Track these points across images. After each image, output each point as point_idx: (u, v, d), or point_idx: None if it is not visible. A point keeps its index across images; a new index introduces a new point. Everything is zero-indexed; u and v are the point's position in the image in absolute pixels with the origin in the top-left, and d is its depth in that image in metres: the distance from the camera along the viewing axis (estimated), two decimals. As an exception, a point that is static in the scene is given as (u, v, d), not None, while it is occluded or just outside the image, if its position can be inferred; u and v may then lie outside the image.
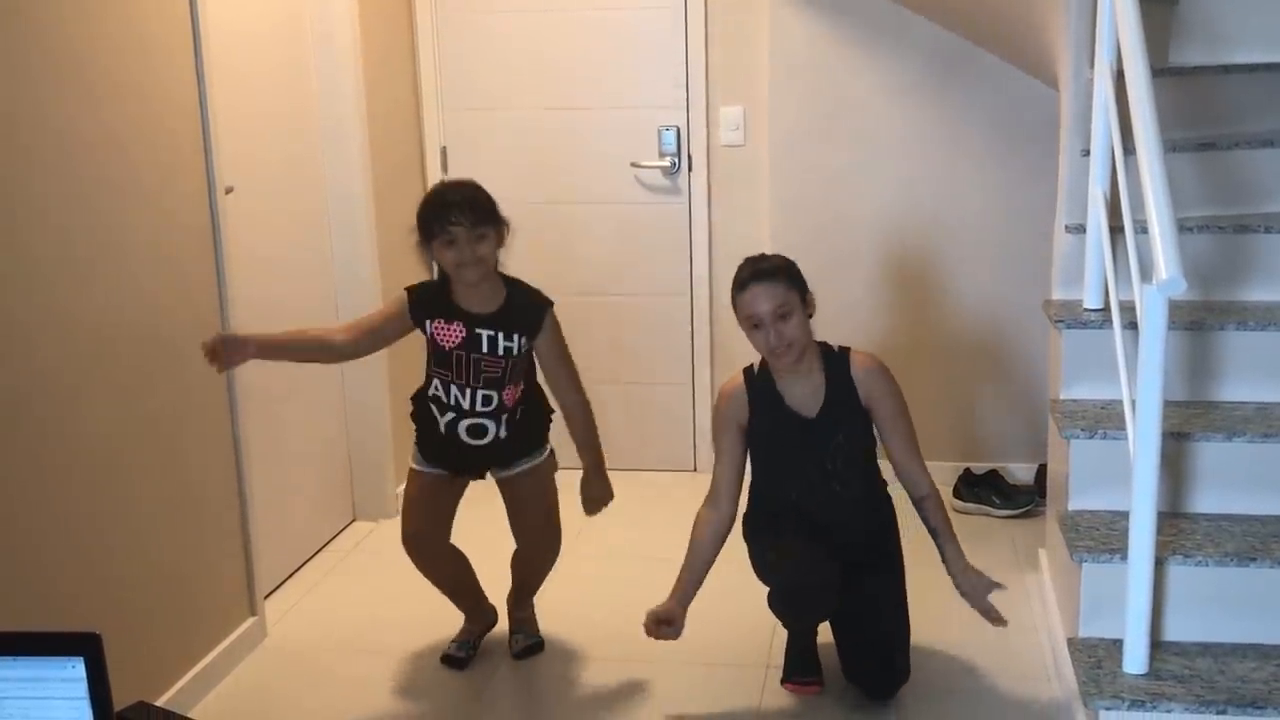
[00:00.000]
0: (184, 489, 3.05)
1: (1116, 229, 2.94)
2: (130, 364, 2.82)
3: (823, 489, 2.99)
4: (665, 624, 2.94)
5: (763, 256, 2.95)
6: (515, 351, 3.00)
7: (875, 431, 3.01)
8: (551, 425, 3.22)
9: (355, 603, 3.65)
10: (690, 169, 4.47)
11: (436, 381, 3.03)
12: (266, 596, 3.53)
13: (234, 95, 3.35)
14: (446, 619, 3.34)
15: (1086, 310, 3.13)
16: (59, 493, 2.58)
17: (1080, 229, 3.16)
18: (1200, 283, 3.13)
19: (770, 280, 2.87)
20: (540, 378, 3.16)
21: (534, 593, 3.37)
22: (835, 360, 2.98)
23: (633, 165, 4.49)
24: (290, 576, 3.81)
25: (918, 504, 3.01)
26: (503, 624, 3.37)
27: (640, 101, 4.44)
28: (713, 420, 3.12)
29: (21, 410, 2.47)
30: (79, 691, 1.54)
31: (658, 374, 4.67)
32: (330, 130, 3.96)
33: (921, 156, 4.24)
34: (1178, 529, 2.79)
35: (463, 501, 3.25)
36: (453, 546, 3.23)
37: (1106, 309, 3.05)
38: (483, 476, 3.20)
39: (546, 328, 3.03)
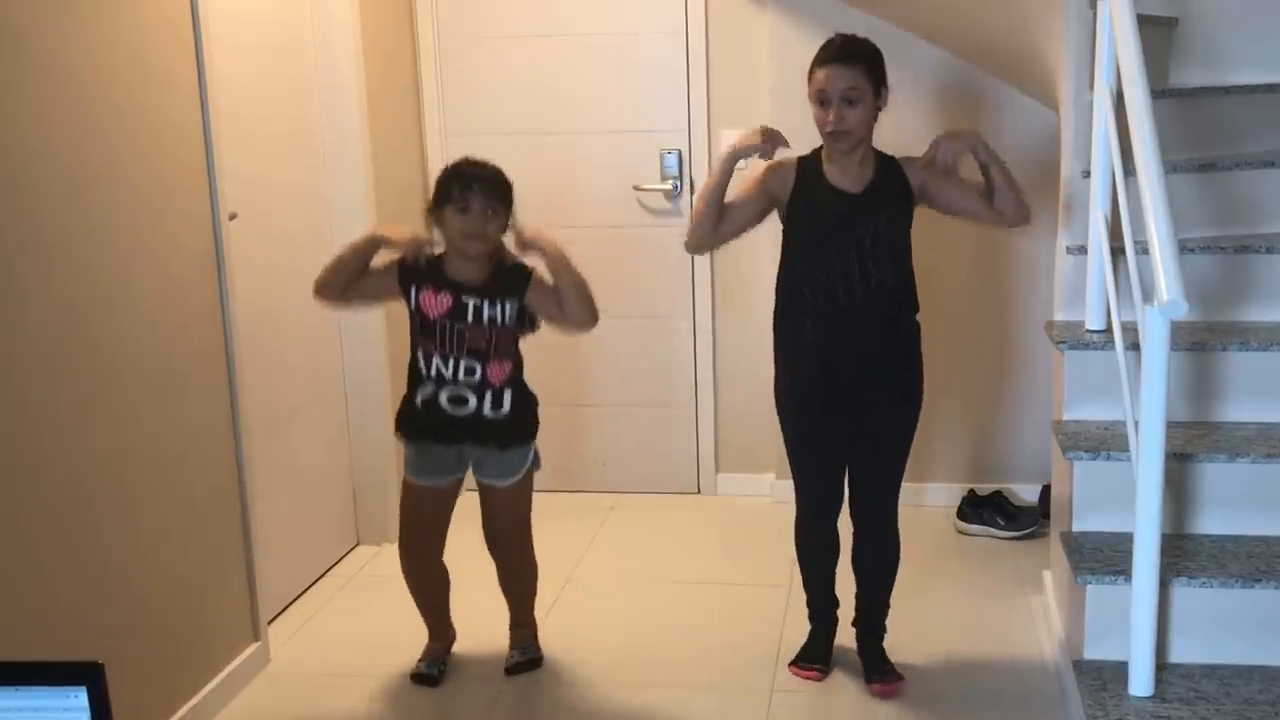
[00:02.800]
0: (187, 513, 3.05)
1: (1118, 250, 2.95)
2: (133, 390, 2.82)
3: (856, 271, 2.95)
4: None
5: (855, 38, 2.93)
6: (500, 320, 3.06)
7: (940, 197, 2.98)
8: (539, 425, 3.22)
9: (359, 628, 3.64)
10: (692, 192, 4.48)
11: (420, 353, 3.09)
12: (270, 622, 3.52)
13: (236, 120, 3.36)
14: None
15: (1089, 331, 3.13)
16: (61, 517, 2.58)
17: (1082, 250, 3.17)
18: (1202, 303, 3.13)
19: (849, 63, 2.86)
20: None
21: (530, 612, 3.39)
22: (888, 160, 2.98)
23: (635, 188, 4.50)
24: (294, 601, 3.80)
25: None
26: (500, 642, 3.37)
27: (642, 125, 4.46)
28: (741, 183, 3.08)
29: (23, 435, 2.47)
30: (81, 721, 1.54)
31: (660, 398, 4.67)
32: (332, 155, 3.97)
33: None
34: (1182, 550, 2.78)
35: (460, 516, 3.26)
36: (442, 564, 3.30)
37: (1109, 330, 3.05)
38: (464, 466, 3.18)
39: (533, 283, 3.09)
